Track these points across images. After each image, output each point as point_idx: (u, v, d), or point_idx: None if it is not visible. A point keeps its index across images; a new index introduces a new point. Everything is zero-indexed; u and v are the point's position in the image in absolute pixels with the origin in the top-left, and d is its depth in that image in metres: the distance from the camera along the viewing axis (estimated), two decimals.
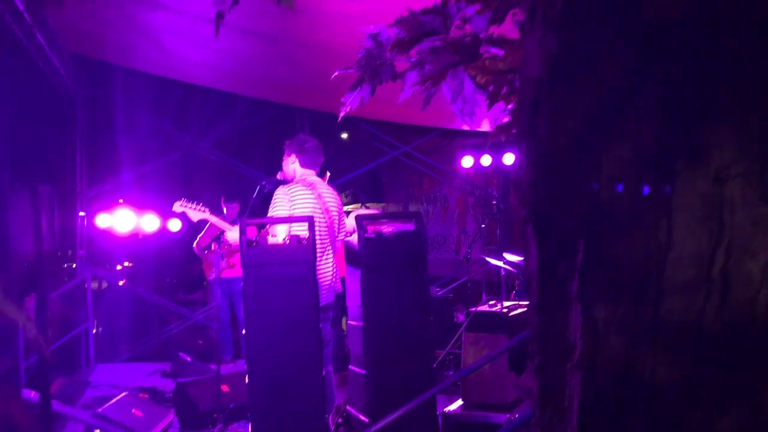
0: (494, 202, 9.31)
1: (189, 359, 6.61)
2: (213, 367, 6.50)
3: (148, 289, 9.35)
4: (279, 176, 4.84)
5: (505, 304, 4.63)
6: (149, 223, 8.06)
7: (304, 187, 4.29)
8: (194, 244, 7.23)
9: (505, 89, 2.26)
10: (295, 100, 8.51)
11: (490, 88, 2.30)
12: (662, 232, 0.80)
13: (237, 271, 7.34)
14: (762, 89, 0.76)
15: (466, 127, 9.25)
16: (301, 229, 3.84)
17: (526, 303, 5.15)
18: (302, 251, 3.55)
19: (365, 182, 12.42)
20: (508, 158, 9.55)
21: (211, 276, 7.31)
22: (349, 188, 11.52)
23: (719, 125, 0.77)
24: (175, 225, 8.60)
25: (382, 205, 13.25)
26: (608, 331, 0.86)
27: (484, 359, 3.23)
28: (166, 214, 8.37)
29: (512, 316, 4.42)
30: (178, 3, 5.95)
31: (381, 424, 3.00)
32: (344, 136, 12.30)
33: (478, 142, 10.14)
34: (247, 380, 3.51)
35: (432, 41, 2.28)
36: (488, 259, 7.23)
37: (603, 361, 0.87)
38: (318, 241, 3.91)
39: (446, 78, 2.21)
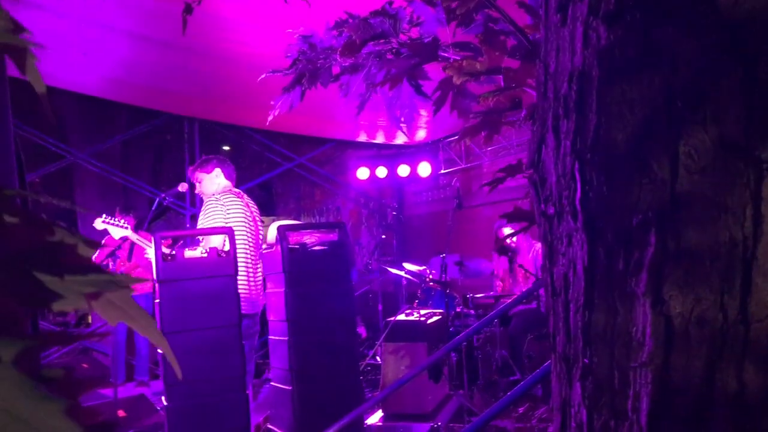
0: (394, 213, 9.37)
1: None
2: (103, 392, 6.08)
3: None
4: (180, 188, 4.63)
5: (422, 312, 4.63)
6: None
7: (235, 197, 4.15)
8: None
9: (451, 94, 2.25)
10: (184, 109, 8.17)
11: (437, 94, 2.29)
12: (749, 221, 0.79)
13: (138, 288, 6.93)
14: None
15: (403, 139, 9.26)
16: (219, 243, 3.67)
17: (440, 311, 5.19)
18: (222, 264, 3.37)
19: (257, 194, 12.16)
20: (403, 170, 9.67)
21: None
22: None
23: None
24: None
25: (272, 218, 13.01)
26: (686, 328, 0.84)
27: (417, 369, 3.19)
28: None
29: (430, 323, 4.43)
30: (59, 5, 5.55)
31: None
32: (226, 148, 12.00)
33: (372, 154, 10.19)
34: (164, 403, 3.28)
35: (382, 44, 2.24)
36: (390, 269, 7.26)
37: (679, 359, 0.85)
38: (252, 252, 3.80)
39: (402, 81, 2.17)
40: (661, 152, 0.86)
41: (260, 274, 4.06)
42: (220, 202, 4.00)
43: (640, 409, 0.89)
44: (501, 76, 1.68)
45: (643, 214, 0.88)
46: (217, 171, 4.30)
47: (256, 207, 4.38)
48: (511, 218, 1.69)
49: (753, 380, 0.79)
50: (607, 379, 0.95)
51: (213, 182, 4.30)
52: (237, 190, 4.31)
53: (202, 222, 4.00)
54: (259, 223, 4.26)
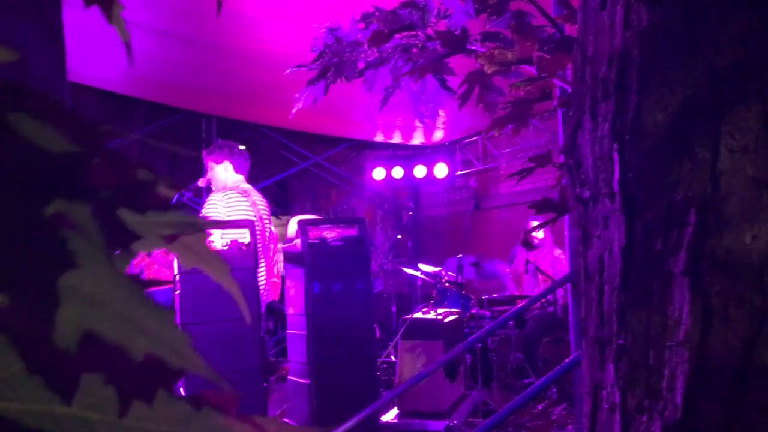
0: (410, 213, 9.38)
1: None
2: None
3: None
4: (200, 183, 4.66)
5: (439, 310, 4.64)
6: None
7: (238, 194, 4.15)
8: None
9: (477, 89, 2.26)
10: (202, 106, 8.22)
11: (463, 87, 2.30)
12: None
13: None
14: None
15: (420, 139, 9.27)
16: (240, 236, 3.69)
17: (457, 311, 5.19)
18: (243, 257, 3.40)
19: (273, 193, 12.21)
20: (420, 171, 9.68)
21: None
22: None
23: None
24: None
25: (288, 217, 13.04)
26: (725, 307, 0.84)
27: (434, 366, 3.20)
28: None
29: (447, 322, 4.43)
30: None
31: None
32: (242, 148, 12.07)
33: (388, 154, 10.20)
34: (181, 394, 3.30)
35: (410, 37, 2.25)
36: (406, 269, 7.27)
37: (717, 338, 0.85)
38: (257, 250, 3.79)
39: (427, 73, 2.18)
40: (702, 132, 0.86)
41: (263, 273, 4.07)
42: (222, 202, 4.00)
43: (675, 388, 0.90)
44: (530, 68, 1.69)
45: (683, 193, 0.88)
46: (227, 164, 4.30)
47: (266, 204, 4.36)
48: (540, 208, 1.69)
49: None
50: (642, 359, 0.96)
51: (221, 175, 4.31)
52: (246, 186, 4.28)
53: None
54: (266, 222, 4.26)
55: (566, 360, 2.58)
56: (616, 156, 0.99)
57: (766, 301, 0.82)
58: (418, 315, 4.54)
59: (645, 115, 0.94)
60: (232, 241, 3.43)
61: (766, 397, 0.82)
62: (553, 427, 3.06)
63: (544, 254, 6.52)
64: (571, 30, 1.72)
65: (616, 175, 0.98)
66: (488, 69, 1.71)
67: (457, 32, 1.90)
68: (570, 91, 1.78)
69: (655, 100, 0.93)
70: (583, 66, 1.11)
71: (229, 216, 3.98)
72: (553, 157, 1.71)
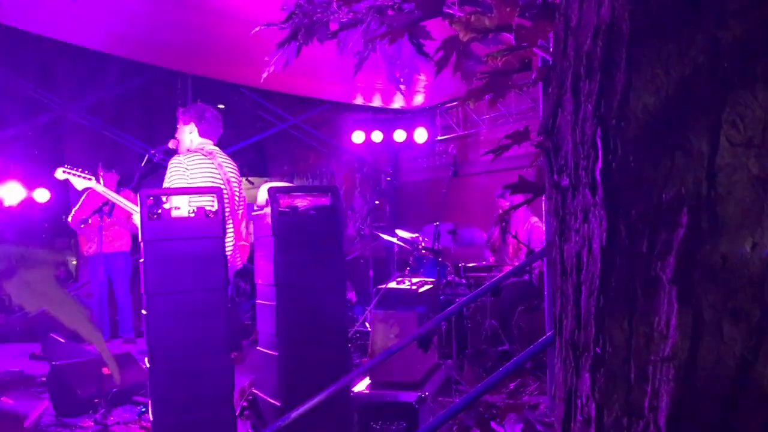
0: (388, 179, 9.24)
1: (62, 339, 6.07)
2: (88, 348, 6.01)
3: None
4: (171, 145, 4.49)
5: (413, 280, 4.55)
6: (12, 193, 7.28)
7: (203, 156, 4.00)
8: (69, 218, 6.61)
9: (454, 55, 2.12)
10: (177, 64, 7.96)
11: (440, 54, 2.16)
12: None
13: (116, 246, 6.82)
14: None
15: (400, 103, 9.07)
16: (206, 201, 3.55)
17: (432, 280, 5.12)
18: (210, 225, 3.26)
19: (249, 155, 11.98)
20: (399, 135, 9.53)
21: (89, 251, 6.74)
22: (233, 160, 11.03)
23: None
24: (42, 195, 7.86)
25: (264, 179, 12.85)
26: (718, 322, 0.74)
27: (406, 340, 3.11)
28: (31, 183, 7.64)
29: (421, 292, 4.35)
30: None
31: (299, 411, 2.82)
32: (220, 106, 11.80)
33: (368, 117, 10.02)
34: (147, 365, 3.20)
35: None
36: (382, 235, 7.17)
37: (708, 356, 0.75)
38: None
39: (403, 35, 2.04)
40: (700, 120, 0.75)
41: (231, 238, 3.96)
42: (183, 164, 3.86)
43: (658, 407, 0.80)
44: (510, 35, 1.56)
45: (674, 190, 0.77)
46: (192, 126, 4.17)
47: (234, 166, 4.23)
48: (515, 189, 1.58)
49: None
50: (622, 372, 0.86)
51: (186, 136, 4.18)
52: (212, 148, 4.13)
53: (165, 184, 3.87)
54: (234, 185, 4.13)
55: (541, 338, 2.50)
56: (599, 142, 0.87)
57: (765, 318, 0.71)
58: (393, 285, 4.45)
59: (634, 98, 0.82)
60: (198, 208, 3.29)
61: (761, 424, 0.72)
62: (524, 407, 3.01)
63: (519, 222, 6.46)
64: None
65: (599, 164, 0.87)
66: (464, 36, 1.58)
67: None
68: (551, 63, 1.66)
69: (646, 80, 0.81)
70: (565, 38, 0.99)
71: (192, 178, 3.84)
72: (530, 134, 1.59)
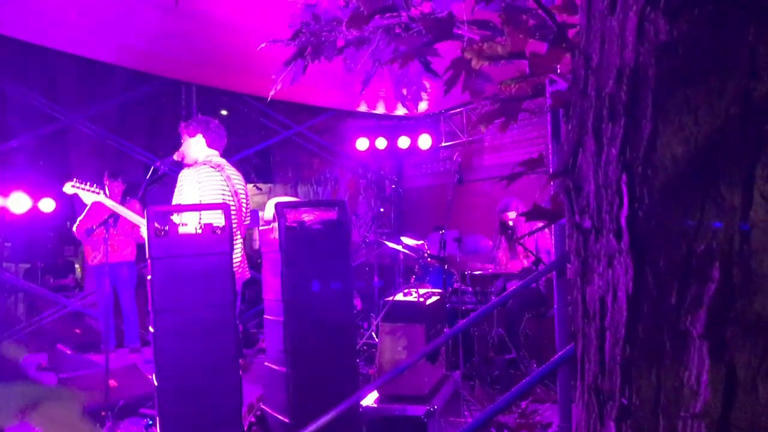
0: (393, 185, 9.22)
1: (68, 351, 6.06)
2: (95, 359, 6.00)
3: (16, 274, 8.52)
4: (176, 157, 4.48)
5: (420, 291, 4.53)
6: (18, 203, 7.29)
7: (212, 169, 3.99)
8: (74, 227, 6.60)
9: (463, 74, 2.10)
10: (182, 74, 7.96)
11: (449, 74, 2.14)
12: None
13: (121, 256, 6.81)
14: None
15: (404, 110, 9.06)
16: (214, 217, 3.53)
17: (439, 291, 5.09)
18: (217, 241, 3.25)
19: (254, 162, 11.98)
20: (403, 141, 9.51)
21: (94, 261, 6.73)
22: (238, 168, 11.04)
23: None
24: (47, 205, 7.87)
25: (269, 186, 12.86)
26: (753, 381, 0.72)
27: (415, 357, 3.09)
28: (37, 193, 7.65)
29: (429, 305, 4.33)
30: None
31: (310, 429, 2.80)
32: (223, 113, 11.80)
33: (372, 124, 10.01)
34: (155, 383, 3.18)
35: (392, 17, 2.08)
36: (388, 243, 7.14)
37: (742, 417, 0.73)
38: (234, 228, 3.65)
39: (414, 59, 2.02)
40: (731, 172, 0.73)
41: (239, 251, 3.95)
42: (195, 177, 3.87)
43: None
44: (524, 61, 1.54)
45: (705, 243, 0.75)
46: (199, 137, 4.17)
47: (241, 178, 4.24)
48: (529, 216, 1.56)
49: None
50: (650, 425, 0.84)
51: (193, 148, 4.18)
52: (219, 160, 4.14)
53: (176, 198, 3.87)
54: (241, 196, 4.13)
55: (552, 358, 2.47)
56: (624, 189, 0.85)
57: None
58: (400, 297, 4.43)
59: (661, 146, 0.80)
60: (205, 225, 3.27)
61: None
62: (536, 427, 2.98)
63: (525, 229, 6.44)
64: (563, 19, 1.56)
65: (624, 211, 0.85)
66: (476, 63, 1.56)
67: (443, 15, 1.73)
68: (565, 88, 1.64)
69: (674, 129, 0.79)
70: (586, 77, 0.97)
71: (203, 191, 3.83)
72: (545, 159, 1.57)
